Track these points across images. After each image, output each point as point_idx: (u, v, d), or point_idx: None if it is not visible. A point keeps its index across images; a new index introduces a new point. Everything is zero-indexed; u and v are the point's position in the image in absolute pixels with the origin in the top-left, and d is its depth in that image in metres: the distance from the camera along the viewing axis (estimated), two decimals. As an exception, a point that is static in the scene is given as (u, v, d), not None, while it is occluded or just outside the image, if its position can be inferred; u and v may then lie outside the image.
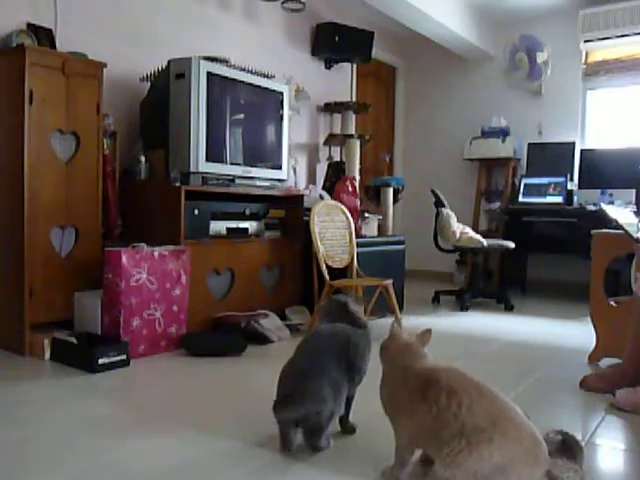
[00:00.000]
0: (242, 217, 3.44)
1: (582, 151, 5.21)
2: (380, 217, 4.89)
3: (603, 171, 4.95)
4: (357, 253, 3.60)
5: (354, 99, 5.43)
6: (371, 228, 4.66)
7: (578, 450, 1.65)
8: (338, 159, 5.14)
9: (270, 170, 3.66)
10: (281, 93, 3.72)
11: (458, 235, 4.43)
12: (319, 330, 1.81)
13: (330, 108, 5.10)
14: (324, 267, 3.35)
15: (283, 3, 4.44)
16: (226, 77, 3.33)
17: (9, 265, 2.75)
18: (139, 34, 3.58)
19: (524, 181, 5.32)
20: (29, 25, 3.00)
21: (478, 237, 4.43)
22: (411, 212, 6.11)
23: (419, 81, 6.29)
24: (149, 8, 3.64)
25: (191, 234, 3.09)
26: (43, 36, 3.01)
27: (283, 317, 3.42)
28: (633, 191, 4.62)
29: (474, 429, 1.28)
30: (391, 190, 5.02)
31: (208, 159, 3.21)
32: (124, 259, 2.65)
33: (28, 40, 2.91)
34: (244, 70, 3.51)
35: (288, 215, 3.73)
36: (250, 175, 3.50)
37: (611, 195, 4.83)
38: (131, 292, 2.68)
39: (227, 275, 3.31)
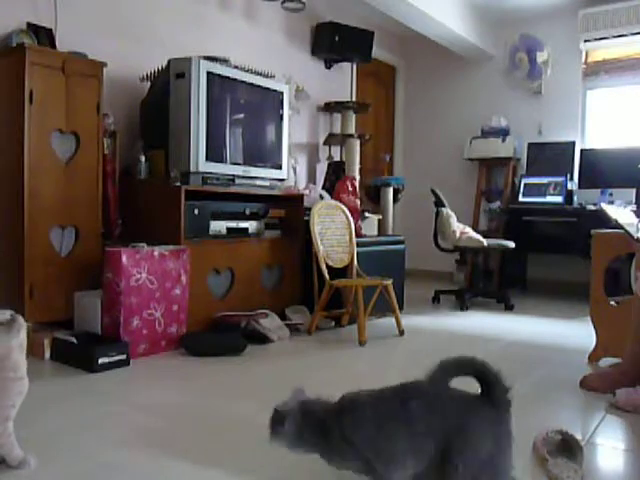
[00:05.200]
0: (242, 217, 3.44)
1: (582, 151, 5.21)
2: (380, 217, 4.89)
3: (603, 171, 4.96)
4: (357, 253, 3.60)
5: (354, 99, 5.43)
6: (371, 228, 4.67)
7: (578, 450, 1.65)
8: (338, 159, 5.14)
9: (270, 170, 3.66)
10: (281, 93, 3.72)
11: (458, 235, 4.43)
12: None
13: (330, 108, 5.10)
14: (324, 267, 3.35)
15: (283, 3, 4.44)
16: (226, 77, 3.33)
17: (9, 265, 2.75)
18: (139, 34, 3.58)
19: (524, 181, 5.32)
20: (29, 25, 3.00)
21: (478, 237, 4.43)
22: (411, 212, 6.11)
23: (419, 81, 6.29)
24: (149, 8, 3.64)
25: (191, 234, 3.09)
26: (43, 36, 3.01)
27: (283, 317, 3.42)
28: (633, 191, 4.62)
29: None
30: (391, 190, 5.03)
31: (208, 159, 3.21)
32: (124, 259, 2.65)
33: (28, 40, 2.90)
34: (244, 70, 3.51)
35: (288, 215, 3.73)
36: (250, 175, 3.50)
37: (611, 195, 4.83)
38: (131, 292, 2.68)
39: (227, 275, 3.31)
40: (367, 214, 4.64)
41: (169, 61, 3.23)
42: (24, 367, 1.50)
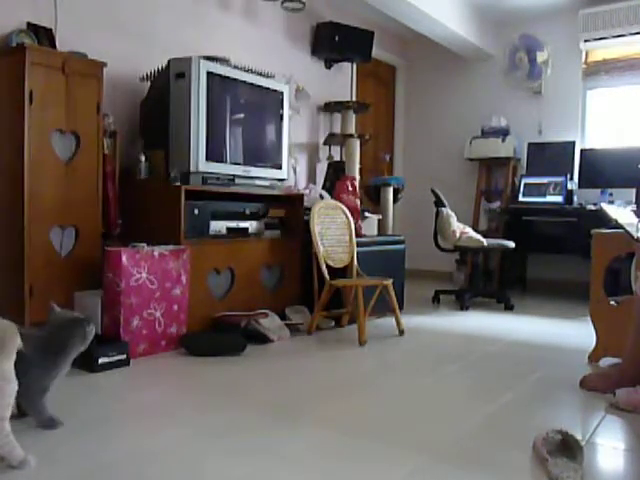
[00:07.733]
0: (242, 217, 3.44)
1: (582, 150, 5.21)
2: (380, 217, 4.89)
3: (603, 171, 4.96)
4: (357, 253, 3.60)
5: (354, 99, 5.43)
6: (371, 228, 4.66)
7: (578, 449, 1.65)
8: (338, 159, 5.14)
9: (270, 170, 3.66)
10: (281, 93, 3.72)
11: (458, 235, 4.43)
12: None
13: (330, 108, 5.10)
14: (324, 267, 3.35)
15: (283, 3, 4.44)
16: (226, 77, 3.33)
17: (9, 265, 2.75)
18: (139, 34, 3.58)
19: (524, 180, 5.33)
20: (29, 24, 3.00)
21: (478, 237, 4.43)
22: (411, 212, 6.11)
23: (419, 81, 6.29)
24: (149, 8, 3.64)
25: (191, 233, 3.09)
26: (43, 36, 3.01)
27: (283, 317, 3.42)
28: (633, 191, 4.62)
29: None
30: (391, 190, 5.03)
31: (208, 159, 3.21)
32: (124, 259, 2.65)
33: (28, 39, 2.90)
34: (244, 70, 3.51)
35: (288, 215, 3.73)
36: (250, 175, 3.50)
37: (611, 195, 4.84)
38: (131, 292, 2.68)
39: (227, 275, 3.31)
40: (367, 214, 4.63)
41: (169, 61, 3.23)
42: (12, 371, 1.51)
